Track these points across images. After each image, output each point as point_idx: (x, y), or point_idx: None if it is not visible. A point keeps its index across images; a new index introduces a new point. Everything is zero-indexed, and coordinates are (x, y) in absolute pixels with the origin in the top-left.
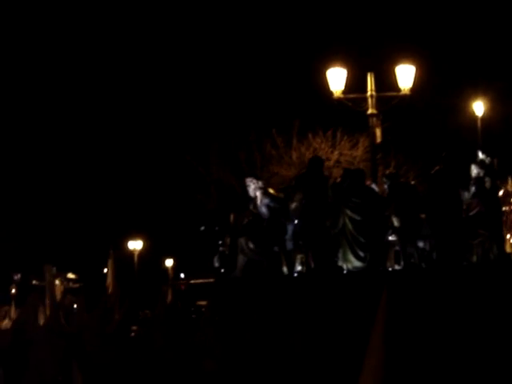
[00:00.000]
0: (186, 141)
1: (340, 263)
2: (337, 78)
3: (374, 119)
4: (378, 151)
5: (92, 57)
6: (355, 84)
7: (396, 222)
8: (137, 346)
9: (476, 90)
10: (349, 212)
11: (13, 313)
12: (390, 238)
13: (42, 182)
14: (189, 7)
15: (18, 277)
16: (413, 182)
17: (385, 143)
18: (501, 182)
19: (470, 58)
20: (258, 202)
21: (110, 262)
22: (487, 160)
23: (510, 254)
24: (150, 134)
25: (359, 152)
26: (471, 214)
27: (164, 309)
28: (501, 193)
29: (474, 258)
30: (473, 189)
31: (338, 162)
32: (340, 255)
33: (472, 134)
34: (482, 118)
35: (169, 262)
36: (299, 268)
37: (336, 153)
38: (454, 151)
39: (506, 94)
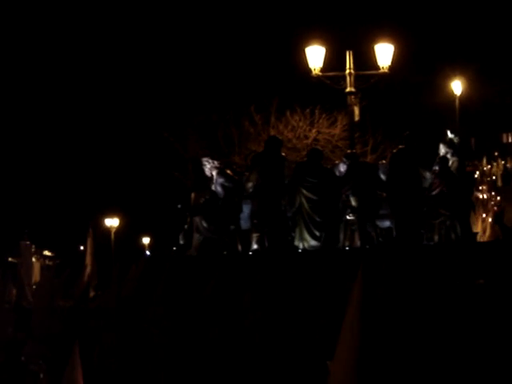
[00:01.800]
0: (164, 117)
1: (296, 242)
2: (315, 56)
3: (353, 97)
4: (356, 129)
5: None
6: (334, 62)
7: (354, 202)
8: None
9: (454, 70)
10: (305, 191)
11: None
12: (348, 217)
13: (17, 160)
14: None
15: None
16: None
17: (363, 121)
18: (478, 162)
19: (449, 37)
20: (214, 181)
21: (89, 240)
22: (455, 139)
23: (475, 233)
24: (128, 111)
25: (337, 130)
26: (433, 193)
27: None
28: (477, 173)
29: (436, 238)
30: (436, 168)
31: (316, 140)
32: (296, 234)
33: (450, 113)
34: (460, 97)
35: (145, 240)
36: (255, 247)
37: (314, 131)
38: (421, 130)
39: (484, 74)
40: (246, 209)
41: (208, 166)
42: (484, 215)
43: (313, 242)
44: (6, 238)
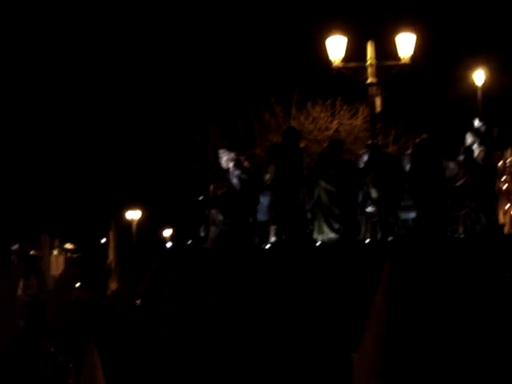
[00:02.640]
0: (185, 110)
1: (315, 235)
2: (336, 47)
3: (374, 88)
4: (378, 121)
5: (86, 29)
6: (355, 53)
7: (374, 194)
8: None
9: (476, 60)
10: (323, 183)
11: None
12: (369, 209)
13: (39, 152)
14: None
15: (16, 247)
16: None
17: (384, 113)
18: (501, 152)
19: (471, 27)
20: (230, 173)
21: (111, 233)
22: (482, 128)
23: (501, 225)
24: (149, 104)
25: (359, 121)
26: (457, 184)
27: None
28: (501, 163)
29: (461, 230)
30: (460, 158)
31: (337, 131)
32: (315, 227)
33: (472, 104)
34: (483, 88)
35: (167, 232)
36: (273, 239)
37: (335, 122)
38: (444, 120)
39: (507, 64)
40: (265, 201)
41: (224, 158)
42: (507, 206)
43: (331, 235)
44: (27, 231)
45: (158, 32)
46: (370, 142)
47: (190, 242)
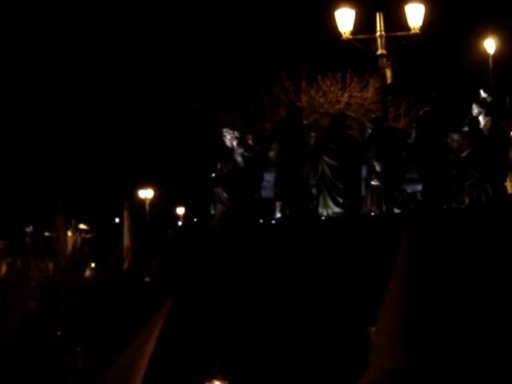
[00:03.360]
0: (195, 87)
1: (320, 209)
2: (345, 19)
3: (384, 60)
4: (389, 92)
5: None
6: (364, 24)
7: (378, 167)
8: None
9: (487, 28)
10: (326, 158)
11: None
12: (373, 182)
13: (51, 134)
14: None
15: (30, 229)
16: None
17: (395, 84)
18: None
19: None
20: (234, 151)
21: (125, 213)
22: (489, 99)
23: (510, 195)
24: (158, 82)
25: (369, 94)
26: (462, 155)
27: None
28: None
29: (467, 200)
30: (465, 129)
31: (348, 104)
32: (320, 201)
33: (484, 72)
34: (494, 56)
35: (180, 210)
36: (278, 215)
37: (346, 95)
38: (451, 91)
39: None
40: (270, 178)
41: (228, 136)
42: None
43: (336, 209)
44: (41, 212)
45: (166, 9)
46: (373, 115)
47: (195, 220)
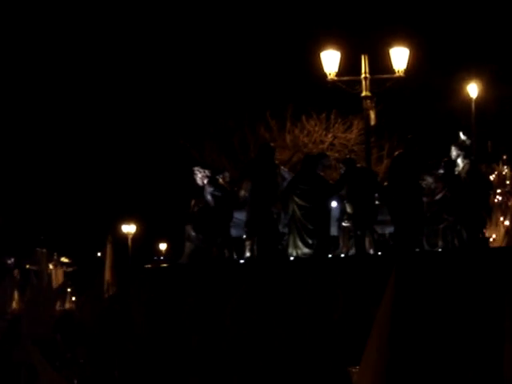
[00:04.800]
0: (180, 124)
1: (290, 250)
2: (330, 60)
3: (368, 101)
4: (372, 134)
5: (83, 40)
6: (349, 66)
7: (349, 208)
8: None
9: (470, 72)
10: (296, 198)
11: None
12: (344, 223)
13: (33, 167)
14: None
15: (11, 261)
16: None
17: (379, 126)
18: (496, 165)
19: (464, 40)
20: (204, 190)
21: (108, 247)
22: (467, 141)
23: (485, 239)
24: (143, 118)
25: (353, 135)
26: (436, 197)
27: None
28: (494, 176)
29: (440, 243)
30: (440, 172)
31: (332, 144)
32: (290, 242)
33: (466, 116)
34: (476, 100)
35: (163, 246)
36: (247, 254)
37: (330, 136)
38: (430, 133)
39: (500, 76)
40: (242, 216)
41: (199, 175)
42: (501, 219)
43: (306, 250)
44: (23, 244)
45: (155, 46)
46: (348, 156)
47: (162, 258)
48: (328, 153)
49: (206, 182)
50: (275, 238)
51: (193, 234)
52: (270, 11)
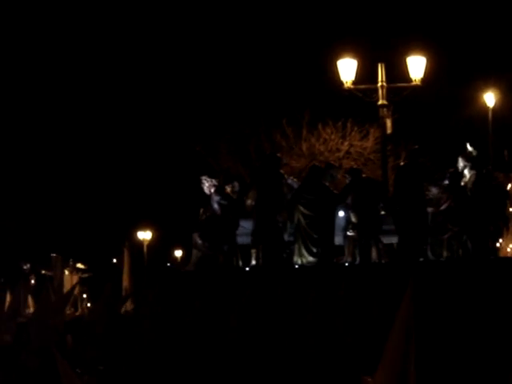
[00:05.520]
0: (196, 131)
1: (295, 258)
2: (347, 69)
3: (385, 110)
4: (389, 142)
5: (97, 45)
6: (366, 74)
7: (353, 218)
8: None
9: (487, 81)
10: (301, 208)
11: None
12: (349, 233)
13: (50, 172)
14: None
15: (27, 266)
16: None
17: (395, 134)
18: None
19: (481, 49)
20: (211, 199)
21: (125, 253)
22: (474, 153)
23: (493, 249)
24: (160, 125)
25: (369, 143)
26: (441, 208)
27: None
28: (510, 186)
29: (445, 253)
30: (445, 182)
31: (348, 152)
32: (295, 250)
33: (483, 125)
34: (493, 109)
35: (178, 253)
36: (253, 263)
37: (346, 144)
38: (455, 142)
39: None
40: (248, 225)
41: (206, 184)
42: None
43: (310, 258)
44: (39, 250)
45: (172, 53)
46: (355, 166)
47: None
48: (344, 161)
49: (212, 190)
50: (280, 247)
51: (199, 241)
52: (288, 19)
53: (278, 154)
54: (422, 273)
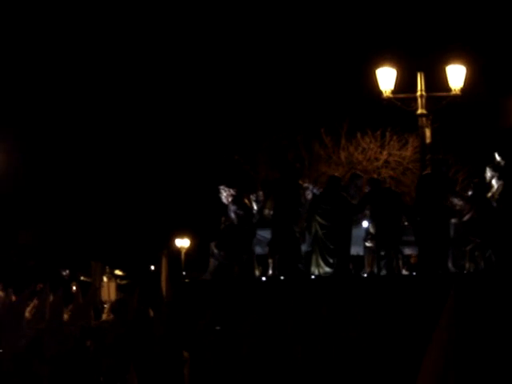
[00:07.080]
0: (234, 140)
1: (312, 268)
2: (386, 78)
3: (424, 119)
4: (428, 152)
5: (134, 52)
6: (405, 84)
7: (372, 228)
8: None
9: None
10: (319, 218)
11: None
12: (367, 243)
13: (92, 181)
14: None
15: (66, 273)
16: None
17: (434, 144)
18: None
19: None
20: (228, 208)
21: (164, 261)
22: (502, 163)
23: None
24: (198, 134)
25: (408, 152)
26: (464, 219)
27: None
28: None
29: (467, 265)
30: (469, 193)
31: (386, 162)
32: (313, 261)
33: None
34: None
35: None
36: (270, 272)
37: (385, 153)
38: (495, 151)
39: None
40: (266, 234)
41: (224, 193)
42: None
43: (327, 269)
44: (79, 257)
45: (210, 63)
46: (375, 176)
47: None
48: (382, 170)
49: (230, 200)
50: (297, 257)
51: (216, 250)
52: (327, 28)
53: (297, 165)
54: (461, 284)
